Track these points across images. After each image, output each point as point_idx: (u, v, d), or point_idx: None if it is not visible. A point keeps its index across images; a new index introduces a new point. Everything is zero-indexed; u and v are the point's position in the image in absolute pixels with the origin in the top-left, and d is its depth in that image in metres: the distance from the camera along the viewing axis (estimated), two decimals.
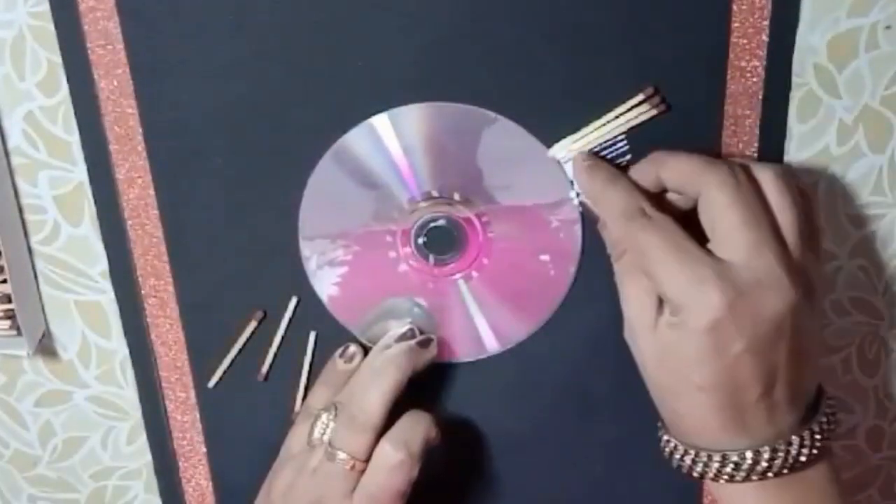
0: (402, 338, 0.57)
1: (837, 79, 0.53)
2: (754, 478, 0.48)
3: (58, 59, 0.54)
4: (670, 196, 0.52)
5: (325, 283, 0.58)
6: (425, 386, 0.57)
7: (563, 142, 0.54)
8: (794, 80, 0.53)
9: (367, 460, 0.54)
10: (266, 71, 0.53)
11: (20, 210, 0.58)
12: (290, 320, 0.59)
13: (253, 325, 0.59)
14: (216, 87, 0.54)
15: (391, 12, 0.52)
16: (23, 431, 0.65)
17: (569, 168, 0.55)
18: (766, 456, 0.48)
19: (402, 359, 0.56)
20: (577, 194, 0.55)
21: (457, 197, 0.56)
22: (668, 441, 0.52)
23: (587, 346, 0.59)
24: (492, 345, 0.59)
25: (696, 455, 0.49)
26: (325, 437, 0.55)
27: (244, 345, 0.60)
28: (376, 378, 0.55)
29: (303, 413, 0.58)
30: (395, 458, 0.53)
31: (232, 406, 0.62)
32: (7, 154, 0.57)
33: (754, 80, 0.52)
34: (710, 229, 0.48)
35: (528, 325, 0.59)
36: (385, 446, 0.54)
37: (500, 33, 0.52)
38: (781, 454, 0.48)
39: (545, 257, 0.57)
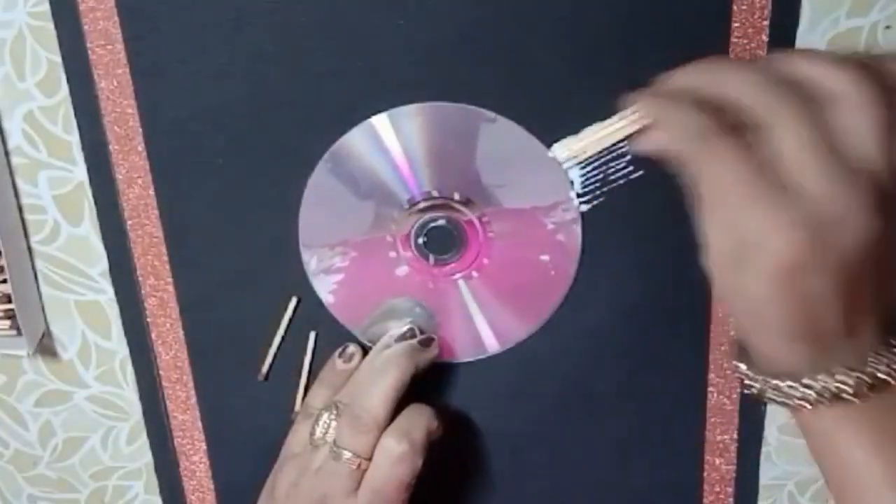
0: (403, 337, 0.58)
1: None
2: (837, 403, 0.45)
3: (58, 59, 0.54)
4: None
5: (325, 283, 0.58)
6: (425, 386, 0.57)
7: (564, 142, 0.54)
8: None
9: (371, 458, 0.54)
10: (266, 71, 0.53)
11: (20, 210, 0.58)
12: (290, 320, 0.59)
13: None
14: (216, 86, 0.54)
15: (391, 12, 0.52)
16: (23, 431, 0.65)
17: (569, 168, 0.55)
18: (848, 380, 0.45)
19: (404, 358, 0.56)
20: (578, 195, 0.55)
21: (457, 197, 0.56)
22: (745, 370, 0.48)
23: (587, 347, 0.59)
24: (492, 345, 0.59)
25: (775, 383, 0.46)
26: (328, 437, 0.55)
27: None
28: (379, 377, 0.55)
29: (303, 412, 0.58)
30: (398, 450, 0.53)
31: (232, 406, 0.62)
32: (7, 154, 0.57)
33: None
34: (780, 158, 0.43)
35: (528, 325, 0.59)
36: (387, 440, 0.54)
37: (499, 33, 0.52)
38: (860, 374, 0.45)
39: (545, 257, 0.57)
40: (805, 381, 0.46)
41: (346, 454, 0.54)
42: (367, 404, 0.54)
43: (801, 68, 0.44)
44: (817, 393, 0.46)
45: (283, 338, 0.60)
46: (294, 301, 0.59)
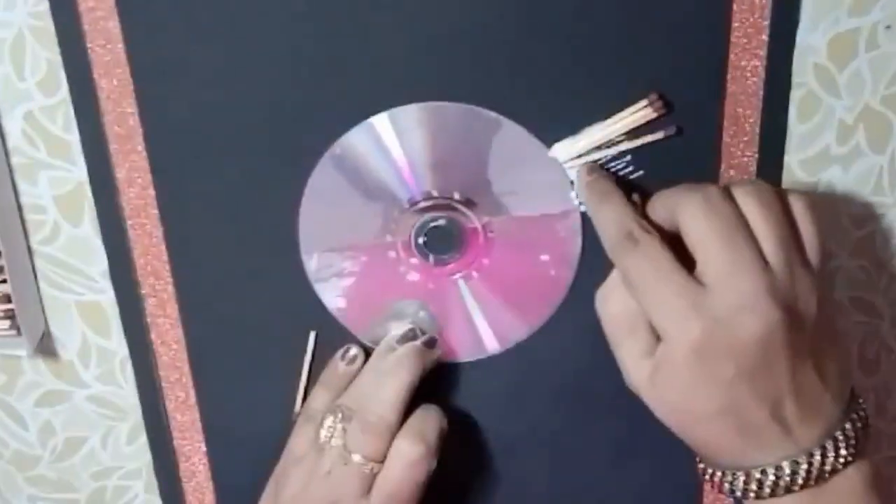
0: (405, 338, 0.57)
1: (838, 78, 0.53)
2: (780, 493, 0.48)
3: (58, 59, 0.54)
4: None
5: (325, 283, 0.58)
6: (425, 386, 0.57)
7: (564, 142, 0.54)
8: (795, 79, 0.53)
9: (383, 461, 0.54)
10: (266, 70, 0.53)
11: (20, 210, 0.58)
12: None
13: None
14: (216, 86, 0.54)
15: (391, 12, 0.52)
16: (22, 431, 0.65)
17: (569, 169, 0.55)
18: (787, 471, 0.47)
19: (412, 360, 0.56)
20: (577, 195, 0.55)
21: (457, 197, 0.56)
22: (698, 462, 0.52)
23: (587, 347, 0.59)
24: (492, 345, 0.59)
25: (724, 475, 0.49)
26: (335, 441, 0.55)
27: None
28: (387, 380, 0.55)
29: (304, 415, 0.58)
30: (415, 453, 0.53)
31: (232, 406, 0.62)
32: (7, 154, 0.57)
33: (754, 80, 0.52)
34: (694, 256, 0.48)
35: (528, 325, 0.59)
36: (402, 443, 0.54)
37: (500, 33, 0.52)
38: (804, 467, 0.47)
39: (545, 257, 0.57)
40: (748, 472, 0.48)
41: (357, 458, 0.53)
42: (378, 408, 0.54)
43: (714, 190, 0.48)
44: (759, 484, 0.48)
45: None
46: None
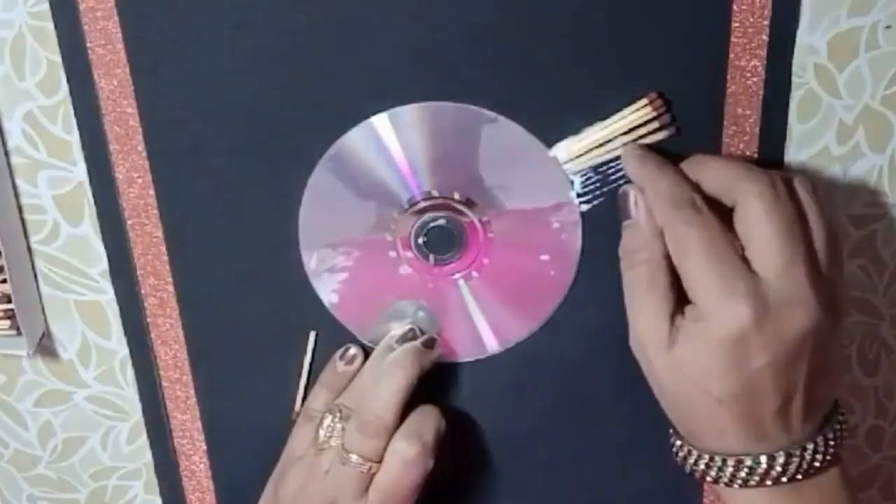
0: (404, 338, 0.57)
1: (838, 78, 0.53)
2: (768, 483, 0.48)
3: (58, 59, 0.54)
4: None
5: (325, 283, 0.58)
6: (425, 386, 0.57)
7: (564, 142, 0.54)
8: (795, 79, 0.53)
9: (381, 461, 0.54)
10: (266, 70, 0.53)
11: (20, 210, 0.58)
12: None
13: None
14: (216, 86, 0.54)
15: (391, 12, 0.52)
16: (22, 431, 0.65)
17: (569, 168, 0.55)
18: (780, 461, 0.48)
19: (410, 360, 0.56)
20: (578, 195, 0.55)
21: (457, 197, 0.56)
22: (681, 446, 0.51)
23: (587, 347, 0.59)
24: (492, 345, 0.59)
25: (711, 460, 0.49)
26: (334, 441, 0.55)
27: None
28: (385, 381, 0.55)
29: (303, 415, 0.58)
30: (411, 453, 0.53)
31: (232, 406, 0.62)
32: (7, 154, 0.57)
33: (754, 79, 0.52)
34: (745, 238, 0.48)
35: (528, 325, 0.59)
36: (399, 443, 0.54)
37: (500, 33, 0.52)
38: (796, 460, 0.48)
39: (545, 257, 0.57)
40: (739, 460, 0.49)
41: (355, 458, 0.54)
42: (375, 408, 0.54)
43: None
44: (749, 471, 0.48)
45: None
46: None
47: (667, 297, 0.49)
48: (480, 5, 0.52)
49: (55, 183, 0.57)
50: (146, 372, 0.61)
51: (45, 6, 0.53)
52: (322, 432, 0.55)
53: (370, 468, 0.54)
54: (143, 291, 0.59)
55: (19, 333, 0.58)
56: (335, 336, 0.59)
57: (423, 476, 0.54)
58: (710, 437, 0.49)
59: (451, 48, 0.53)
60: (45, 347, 0.62)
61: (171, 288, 0.59)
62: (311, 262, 0.58)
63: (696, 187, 0.50)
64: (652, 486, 0.63)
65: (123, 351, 0.61)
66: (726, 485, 0.49)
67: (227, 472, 0.64)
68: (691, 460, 0.50)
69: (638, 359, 0.51)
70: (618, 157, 0.54)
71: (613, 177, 0.54)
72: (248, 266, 0.58)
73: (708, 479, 0.50)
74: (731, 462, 0.48)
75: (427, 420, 0.55)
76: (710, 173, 0.50)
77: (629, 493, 0.63)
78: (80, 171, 0.57)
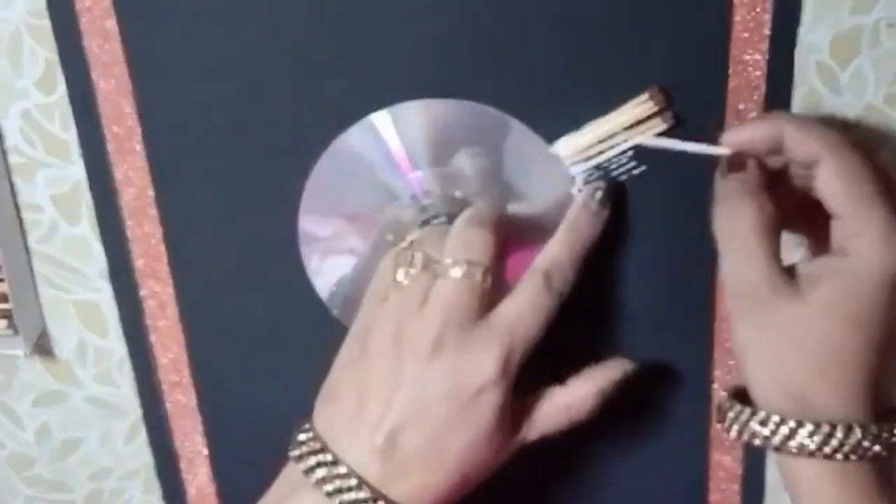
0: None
1: (840, 77, 0.53)
2: (838, 456, 0.45)
3: (55, 57, 0.54)
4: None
5: (326, 283, 0.58)
6: None
7: (566, 138, 0.54)
8: (796, 78, 0.53)
9: (496, 278, 0.49)
10: (265, 68, 0.53)
11: (17, 209, 0.58)
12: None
13: None
14: (215, 85, 0.54)
15: (391, 8, 0.52)
16: (19, 432, 0.65)
17: (570, 164, 0.54)
18: (858, 435, 0.45)
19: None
20: (579, 191, 0.55)
21: (458, 194, 0.56)
22: (749, 416, 0.47)
23: (588, 346, 0.59)
24: None
25: (782, 420, 0.46)
26: (423, 260, 0.49)
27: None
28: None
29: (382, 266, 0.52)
30: (546, 281, 0.49)
31: (232, 407, 0.61)
32: (4, 152, 0.57)
33: (756, 73, 0.52)
34: (841, 201, 0.46)
35: None
36: (534, 265, 0.50)
37: (501, 29, 0.52)
38: (870, 436, 0.45)
39: None
40: (809, 428, 0.45)
41: (461, 266, 0.47)
42: (480, 206, 0.51)
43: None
44: (818, 443, 0.45)
45: None
46: None
47: (772, 242, 0.47)
48: (481, 3, 0.51)
49: (52, 182, 0.57)
50: (145, 373, 0.61)
51: (42, 3, 0.53)
52: (401, 270, 0.49)
53: (484, 274, 0.48)
54: (142, 293, 0.59)
55: (16, 333, 0.58)
56: (336, 337, 0.59)
57: (549, 319, 0.49)
58: (803, 398, 0.46)
59: (451, 44, 0.52)
60: (43, 347, 0.62)
61: (170, 289, 0.59)
62: (311, 261, 0.57)
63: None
64: (658, 484, 0.62)
65: (121, 350, 0.61)
66: (795, 452, 0.46)
67: (227, 473, 0.64)
68: (768, 423, 0.46)
69: (747, 309, 0.47)
70: (620, 153, 0.54)
71: (615, 172, 0.54)
72: (248, 266, 0.58)
73: (768, 441, 0.46)
74: (807, 425, 0.45)
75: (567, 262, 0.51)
76: (797, 133, 0.48)
77: (635, 491, 0.63)
78: (78, 170, 0.57)
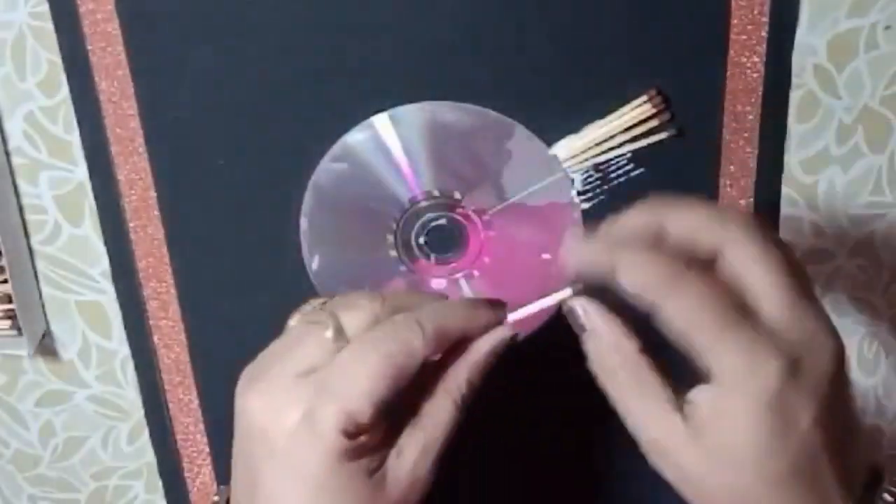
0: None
1: (837, 79, 0.53)
2: None
3: (58, 60, 0.54)
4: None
5: (328, 283, 0.58)
6: None
7: (565, 140, 0.54)
8: (794, 80, 0.53)
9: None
10: (266, 71, 0.53)
11: (21, 210, 0.58)
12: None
13: None
14: (217, 87, 0.54)
15: (392, 12, 0.52)
16: (23, 431, 0.65)
17: (569, 166, 0.55)
18: None
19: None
20: (579, 193, 0.55)
21: (458, 196, 0.56)
22: None
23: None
24: None
25: None
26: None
27: None
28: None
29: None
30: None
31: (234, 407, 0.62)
32: (8, 154, 0.57)
33: (754, 75, 0.52)
34: (741, 286, 0.41)
35: (529, 323, 0.59)
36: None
37: (500, 31, 0.52)
38: None
39: (546, 256, 0.57)
40: None
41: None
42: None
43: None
44: None
45: None
46: None
47: (664, 391, 0.43)
48: (481, 4, 0.52)
49: (56, 183, 0.57)
50: (148, 373, 0.61)
51: (46, 6, 0.53)
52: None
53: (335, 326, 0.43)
54: (144, 294, 0.59)
55: (20, 333, 0.58)
56: None
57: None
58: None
59: (451, 47, 0.53)
60: (46, 347, 0.62)
61: (172, 290, 0.59)
62: (312, 262, 0.58)
63: (663, 242, 0.44)
64: (658, 485, 0.62)
65: (124, 351, 0.61)
66: None
67: (230, 472, 0.64)
68: None
69: (661, 468, 0.44)
70: (619, 155, 0.54)
71: (614, 174, 0.54)
72: (250, 267, 0.58)
73: None
74: None
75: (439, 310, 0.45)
76: (676, 224, 0.43)
77: (635, 491, 0.63)
78: (81, 172, 0.57)
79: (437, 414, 0.45)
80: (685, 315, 0.41)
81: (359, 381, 0.41)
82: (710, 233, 0.42)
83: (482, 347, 0.46)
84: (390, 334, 0.42)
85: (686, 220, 0.43)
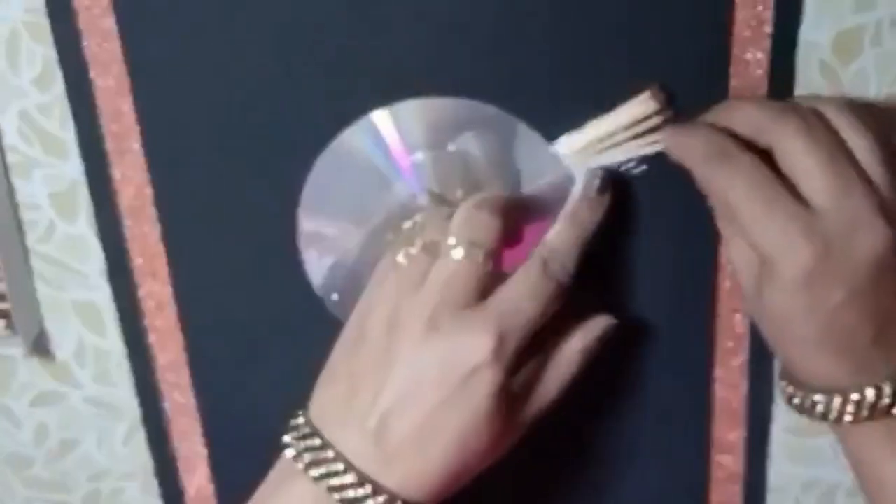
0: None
1: (842, 75, 0.53)
2: (879, 415, 0.46)
3: (53, 55, 0.54)
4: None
5: (326, 282, 0.58)
6: None
7: (566, 137, 0.54)
8: (799, 77, 0.53)
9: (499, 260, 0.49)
10: (264, 67, 0.53)
11: (15, 208, 0.58)
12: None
13: None
14: (213, 84, 0.54)
15: (391, 7, 0.52)
16: (17, 432, 0.65)
17: (571, 163, 0.54)
18: (888, 391, 0.46)
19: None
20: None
21: (459, 193, 0.56)
22: (786, 387, 0.49)
23: None
24: None
25: (816, 398, 0.47)
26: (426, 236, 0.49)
27: None
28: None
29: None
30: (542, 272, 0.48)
31: (231, 407, 0.61)
32: (2, 151, 0.56)
33: (758, 72, 0.52)
34: (793, 177, 0.46)
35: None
36: (540, 249, 0.49)
37: (502, 28, 0.52)
38: None
39: None
40: (844, 394, 0.46)
41: (463, 247, 0.47)
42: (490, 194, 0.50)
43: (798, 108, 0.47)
44: (856, 405, 0.46)
45: None
46: None
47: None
48: (482, 0, 0.51)
49: (50, 181, 0.57)
50: (143, 373, 0.61)
51: (41, 2, 0.52)
52: (407, 237, 0.49)
53: (486, 256, 0.47)
54: (140, 293, 0.59)
55: (14, 333, 0.58)
56: (335, 336, 0.59)
57: (549, 306, 0.49)
58: (816, 375, 0.47)
59: (451, 43, 0.52)
60: (41, 347, 0.62)
61: (169, 289, 0.59)
62: (310, 261, 0.57)
63: (732, 135, 0.48)
64: (659, 485, 0.62)
65: (119, 351, 0.61)
66: (835, 422, 0.47)
67: (226, 474, 0.64)
68: (797, 401, 0.48)
69: (750, 299, 0.49)
70: (620, 152, 0.54)
71: (616, 171, 0.54)
72: (247, 265, 0.58)
73: (814, 417, 0.48)
74: (837, 398, 0.46)
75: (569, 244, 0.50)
76: (741, 120, 0.48)
77: (636, 492, 0.63)
78: (76, 169, 0.57)
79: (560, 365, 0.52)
80: (735, 189, 0.45)
81: (524, 308, 0.48)
82: (764, 130, 0.46)
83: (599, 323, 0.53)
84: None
85: (748, 118, 0.47)
